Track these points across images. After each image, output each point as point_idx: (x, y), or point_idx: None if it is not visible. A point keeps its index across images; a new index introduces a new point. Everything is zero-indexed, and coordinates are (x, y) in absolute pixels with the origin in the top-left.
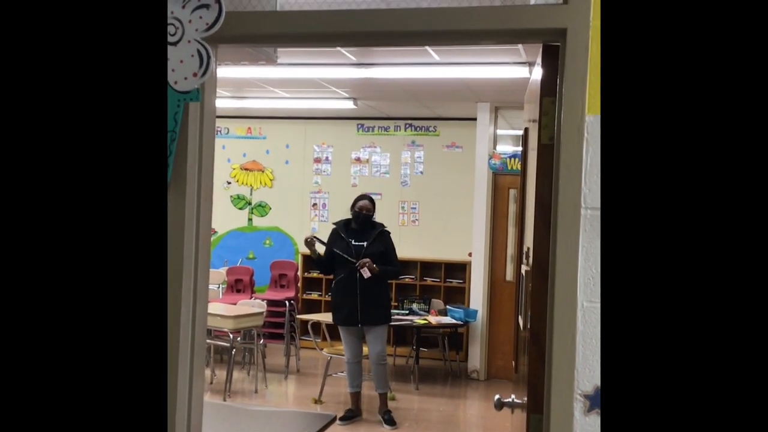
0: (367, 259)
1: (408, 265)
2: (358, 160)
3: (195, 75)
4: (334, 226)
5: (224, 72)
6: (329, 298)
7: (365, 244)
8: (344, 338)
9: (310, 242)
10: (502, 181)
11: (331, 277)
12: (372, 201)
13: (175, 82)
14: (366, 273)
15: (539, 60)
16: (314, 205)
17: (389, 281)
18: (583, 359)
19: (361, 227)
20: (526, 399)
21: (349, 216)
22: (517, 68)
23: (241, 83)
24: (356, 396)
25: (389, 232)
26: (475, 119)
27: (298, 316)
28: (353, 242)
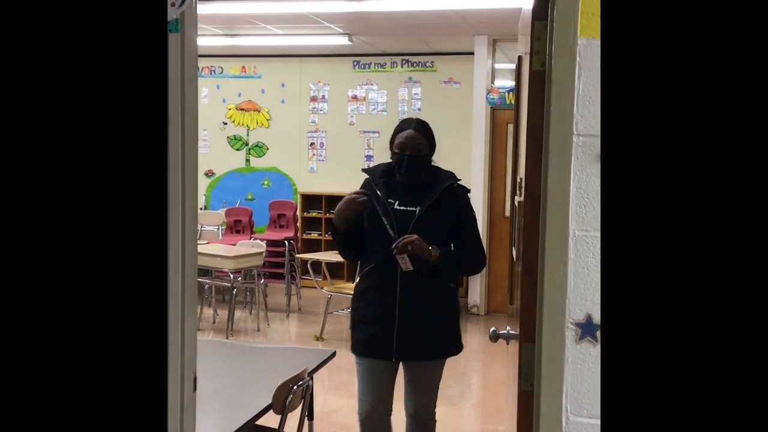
0: (413, 237)
1: None
2: (354, 98)
3: (173, 5)
4: (366, 177)
5: (213, 8)
6: (330, 238)
7: (417, 209)
8: (363, 377)
9: (358, 201)
10: (501, 116)
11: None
12: (424, 131)
13: None
14: (405, 264)
15: None
16: (312, 144)
17: (461, 277)
18: (574, 288)
19: (411, 179)
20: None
21: (390, 160)
22: None
23: (233, 20)
24: None
25: (467, 190)
26: (472, 53)
27: (298, 256)
28: (396, 206)
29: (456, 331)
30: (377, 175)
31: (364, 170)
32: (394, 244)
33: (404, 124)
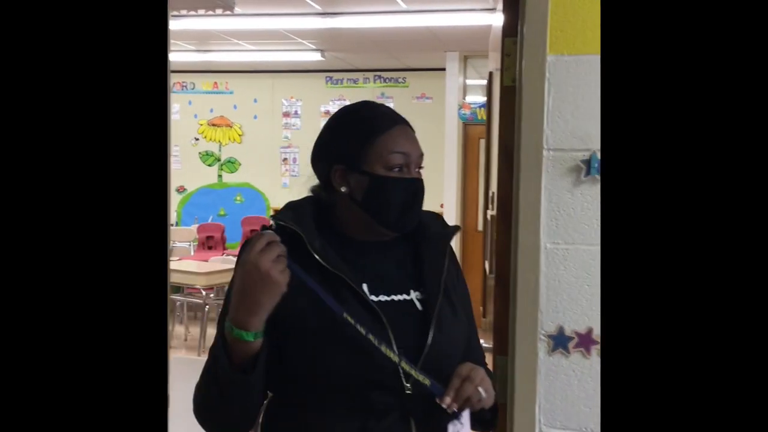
0: (478, 371)
1: None
2: (327, 113)
3: None
4: (280, 225)
5: (186, 24)
6: None
7: (414, 297)
8: None
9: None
10: (473, 131)
11: None
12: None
13: None
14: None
15: (500, 4)
16: (284, 160)
17: None
18: (546, 300)
19: (400, 230)
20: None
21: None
22: (484, 15)
23: (205, 35)
24: None
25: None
26: (444, 69)
27: None
28: (375, 295)
29: None
30: (311, 229)
31: (274, 218)
32: (447, 398)
33: (382, 118)
